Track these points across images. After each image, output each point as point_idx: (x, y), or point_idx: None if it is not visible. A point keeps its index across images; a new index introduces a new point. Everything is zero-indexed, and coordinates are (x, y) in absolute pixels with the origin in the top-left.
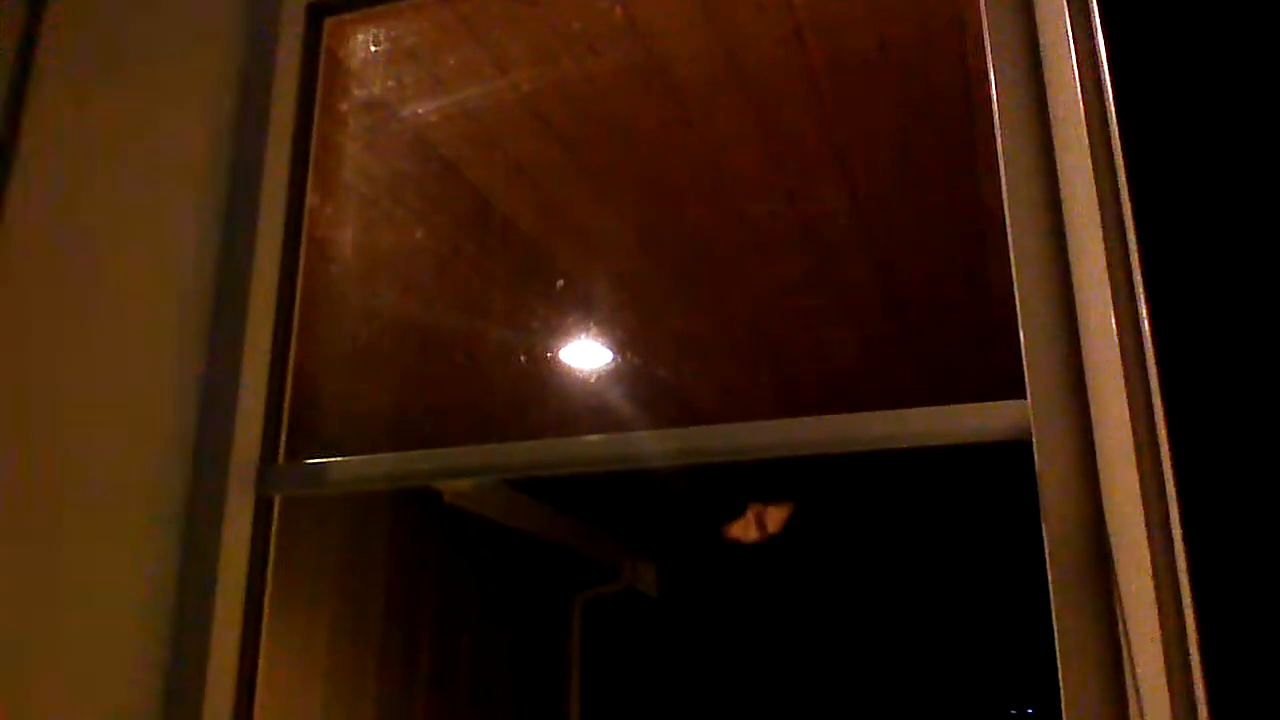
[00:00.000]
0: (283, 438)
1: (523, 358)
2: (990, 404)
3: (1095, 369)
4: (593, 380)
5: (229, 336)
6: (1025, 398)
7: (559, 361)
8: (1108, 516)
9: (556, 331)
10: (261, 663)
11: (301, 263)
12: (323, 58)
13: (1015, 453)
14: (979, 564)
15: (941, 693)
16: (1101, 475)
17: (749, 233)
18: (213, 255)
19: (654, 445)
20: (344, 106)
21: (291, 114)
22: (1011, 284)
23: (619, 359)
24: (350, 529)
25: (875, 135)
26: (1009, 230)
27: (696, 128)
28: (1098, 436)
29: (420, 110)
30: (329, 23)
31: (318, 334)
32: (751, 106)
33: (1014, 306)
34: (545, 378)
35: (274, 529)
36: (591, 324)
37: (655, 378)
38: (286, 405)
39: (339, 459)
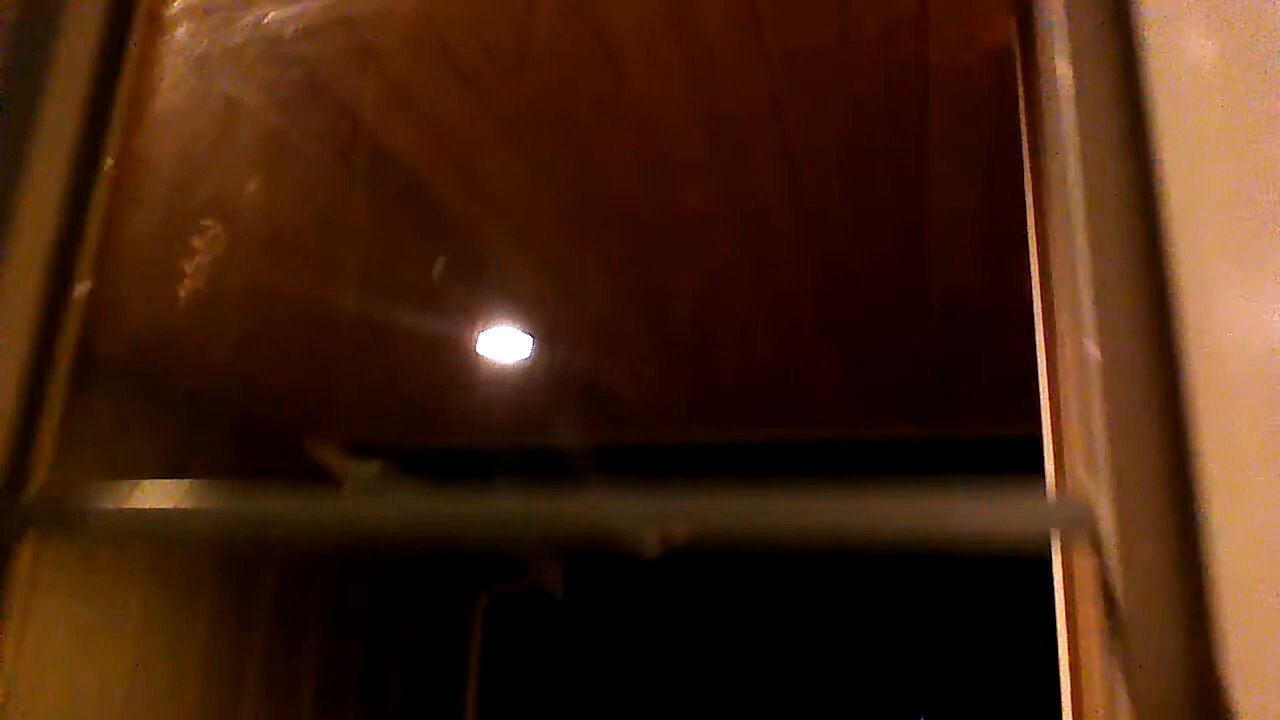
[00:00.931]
0: (42, 450)
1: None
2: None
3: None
4: (506, 368)
5: None
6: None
7: (473, 350)
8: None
9: (470, 316)
10: None
11: (97, 206)
12: None
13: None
14: (881, 560)
15: (848, 696)
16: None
17: (683, 221)
18: None
19: (618, 508)
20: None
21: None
22: (956, 300)
23: (536, 345)
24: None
25: (825, 127)
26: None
27: (637, 107)
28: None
29: (305, 38)
30: None
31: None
32: (697, 87)
33: (953, 318)
34: (456, 367)
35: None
36: (512, 308)
37: (573, 368)
38: (54, 402)
39: (135, 485)
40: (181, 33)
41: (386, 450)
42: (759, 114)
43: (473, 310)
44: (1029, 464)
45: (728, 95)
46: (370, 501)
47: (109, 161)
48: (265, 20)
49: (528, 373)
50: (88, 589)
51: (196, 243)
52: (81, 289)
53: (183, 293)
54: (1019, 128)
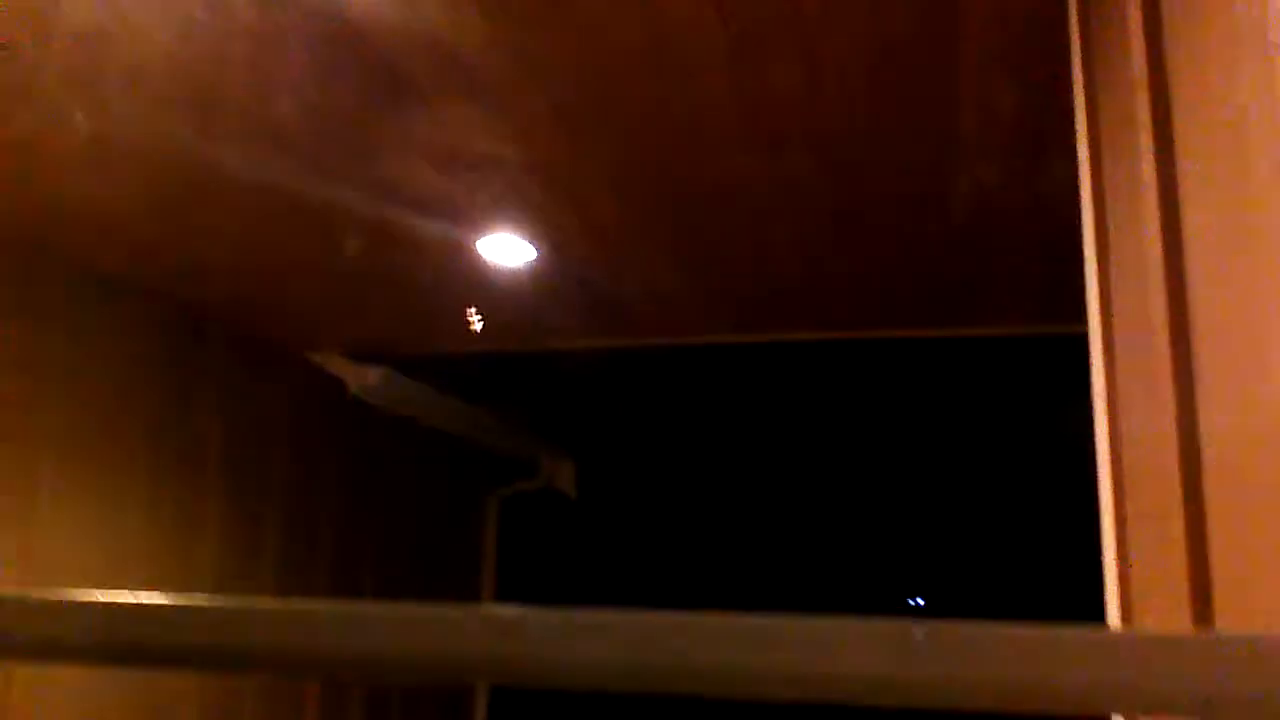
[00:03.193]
0: None
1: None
2: None
3: None
4: (511, 275)
5: None
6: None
7: (475, 254)
8: None
9: (469, 222)
10: None
11: None
12: None
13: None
14: (882, 452)
15: (846, 582)
16: None
17: (694, 121)
18: None
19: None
20: None
21: None
22: (981, 203)
23: (540, 253)
24: (242, 412)
25: (847, 19)
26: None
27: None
28: None
29: None
30: None
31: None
32: None
33: (982, 224)
34: (458, 272)
35: None
36: (513, 214)
37: (578, 272)
38: None
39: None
40: None
41: (391, 356)
42: (775, 6)
43: (474, 215)
44: (1065, 361)
45: None
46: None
47: None
48: None
49: (531, 276)
50: (179, 475)
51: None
52: None
53: (160, 200)
54: (1065, 23)
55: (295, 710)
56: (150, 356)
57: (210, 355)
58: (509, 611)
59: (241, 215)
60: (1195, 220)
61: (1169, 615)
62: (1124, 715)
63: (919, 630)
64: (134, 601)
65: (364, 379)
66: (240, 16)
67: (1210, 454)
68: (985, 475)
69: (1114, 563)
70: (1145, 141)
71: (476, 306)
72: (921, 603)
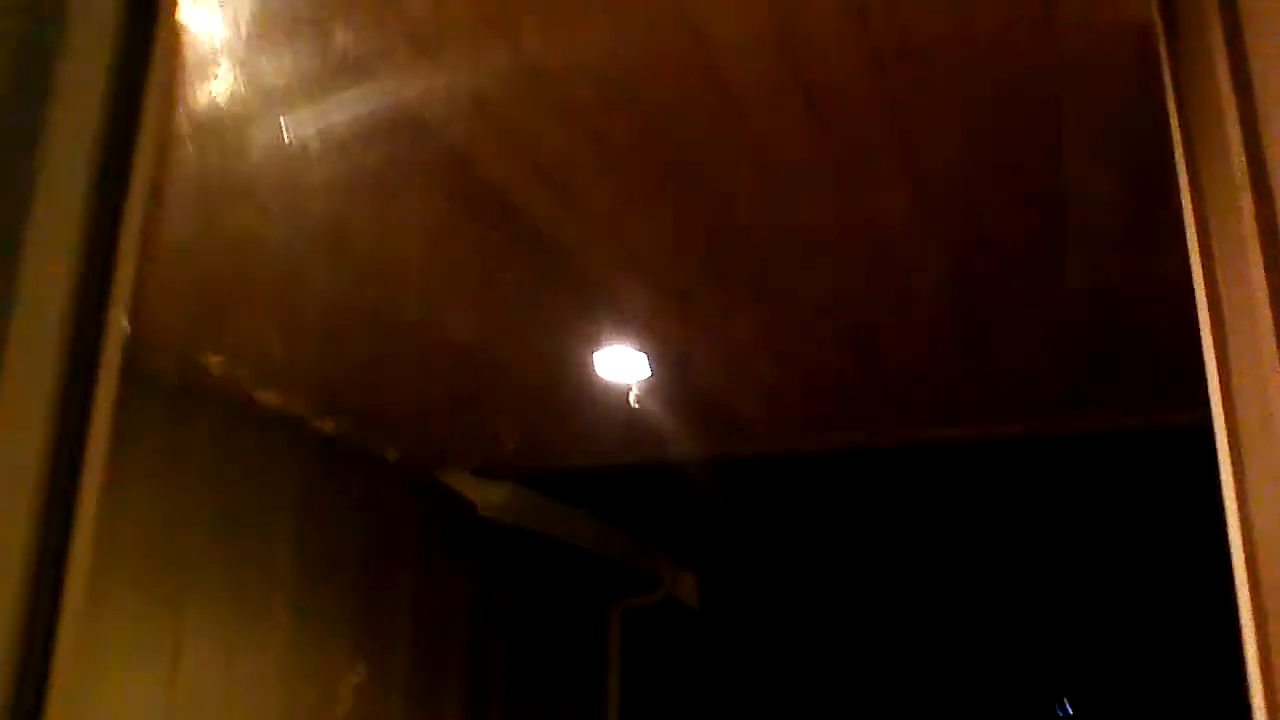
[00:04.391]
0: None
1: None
2: None
3: None
4: (627, 388)
5: None
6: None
7: (593, 371)
8: None
9: (586, 339)
10: None
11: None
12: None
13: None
14: (1014, 552)
15: (987, 692)
16: None
17: (800, 233)
18: None
19: None
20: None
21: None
22: (1096, 286)
23: (657, 366)
24: (377, 535)
25: (945, 119)
26: None
27: (744, 119)
28: None
29: (412, 84)
30: None
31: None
32: (806, 97)
33: (1103, 311)
34: (575, 384)
35: None
36: (626, 328)
37: (696, 387)
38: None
39: None
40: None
41: (516, 472)
42: (875, 117)
43: (588, 332)
44: (1188, 454)
45: (840, 102)
46: None
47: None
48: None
49: (647, 388)
50: (310, 605)
51: (317, 284)
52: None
53: (311, 336)
54: (1163, 104)
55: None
56: (288, 480)
57: (346, 478)
58: None
59: (372, 344)
60: None
61: None
62: None
63: None
64: None
65: (490, 496)
66: (363, 162)
67: None
68: (1121, 571)
69: (1256, 662)
70: (1249, 228)
71: (593, 420)
72: (1070, 709)
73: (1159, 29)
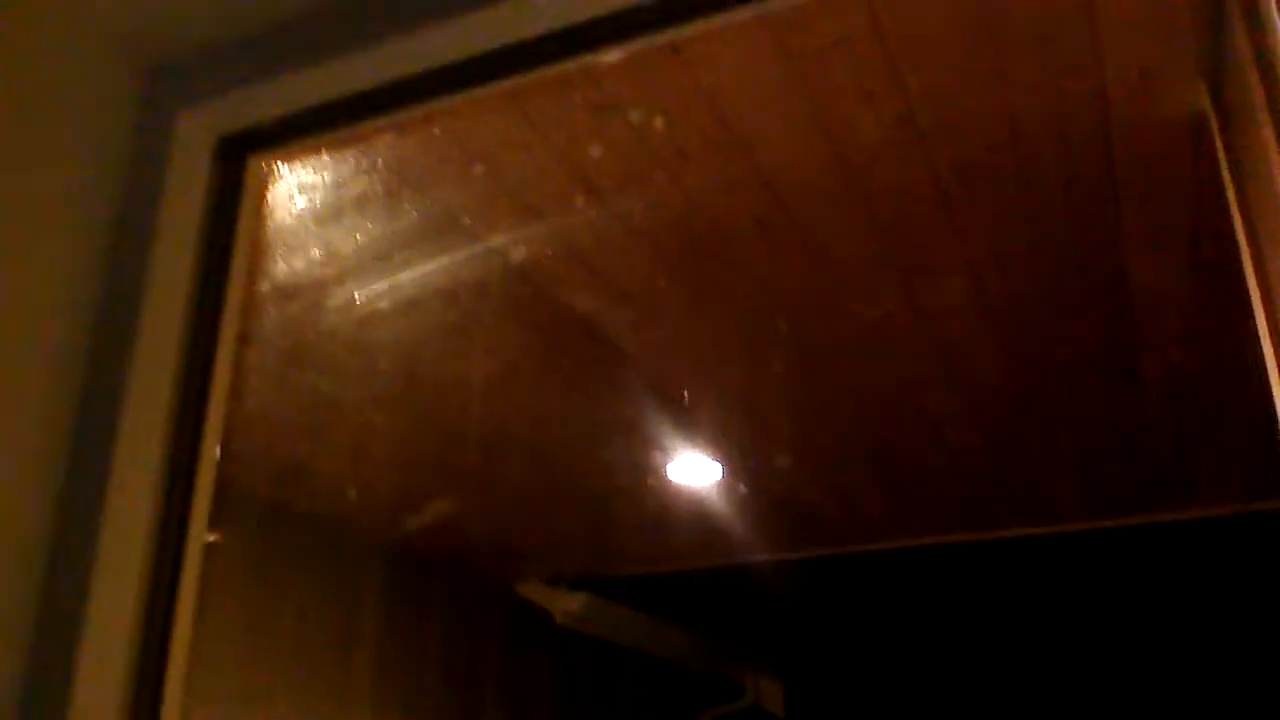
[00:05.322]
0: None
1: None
2: None
3: None
4: (702, 493)
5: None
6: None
7: (664, 477)
8: None
9: (659, 447)
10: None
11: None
12: (247, 202)
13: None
14: (1106, 650)
15: None
16: None
17: (864, 334)
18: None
19: None
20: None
21: (187, 288)
22: (1169, 378)
23: (729, 471)
24: (456, 646)
25: (1002, 220)
26: None
27: (801, 230)
28: None
29: (499, 230)
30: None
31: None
32: (863, 201)
33: (1178, 403)
34: (650, 491)
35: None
36: (698, 434)
37: (770, 489)
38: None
39: None
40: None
41: (590, 580)
42: (933, 223)
43: (661, 440)
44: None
45: (897, 209)
46: None
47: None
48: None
49: (721, 494)
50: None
51: (383, 409)
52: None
53: (383, 455)
54: (1222, 193)
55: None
56: (370, 593)
57: (424, 590)
58: None
59: (448, 460)
60: None
61: None
62: None
63: None
64: None
65: (567, 606)
66: (439, 286)
67: None
68: (1210, 660)
69: None
70: None
71: (669, 526)
72: None
73: (1213, 120)
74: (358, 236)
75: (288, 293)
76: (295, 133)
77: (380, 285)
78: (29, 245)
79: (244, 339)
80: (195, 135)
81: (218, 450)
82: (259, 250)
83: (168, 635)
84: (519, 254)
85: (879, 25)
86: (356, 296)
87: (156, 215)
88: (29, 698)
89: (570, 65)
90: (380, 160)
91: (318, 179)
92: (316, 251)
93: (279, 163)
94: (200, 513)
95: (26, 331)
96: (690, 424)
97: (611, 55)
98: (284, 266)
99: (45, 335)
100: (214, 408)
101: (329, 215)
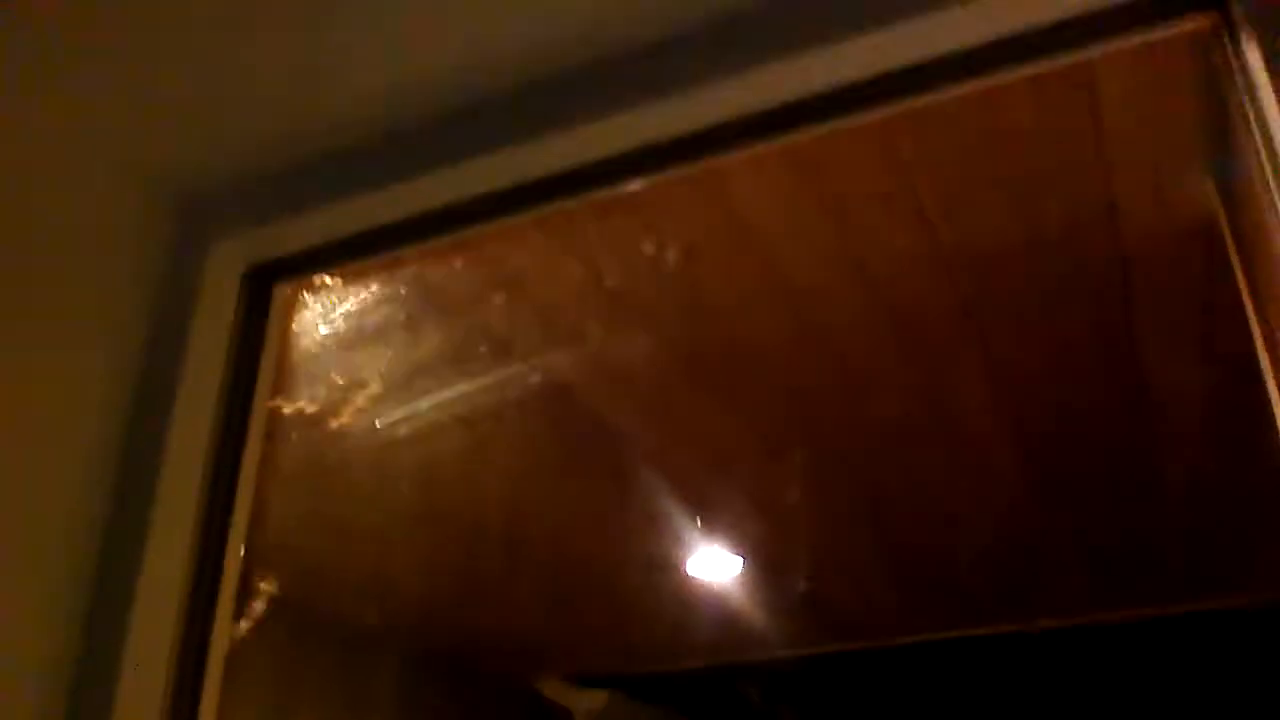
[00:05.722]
0: None
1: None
2: None
3: None
4: (721, 588)
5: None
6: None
7: (684, 573)
8: None
9: (677, 541)
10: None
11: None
12: (274, 331)
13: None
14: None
15: None
16: None
17: (883, 432)
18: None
19: None
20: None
21: (211, 420)
22: (1188, 478)
23: (750, 566)
24: None
25: (1018, 319)
26: None
27: (818, 327)
28: None
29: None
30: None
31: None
32: (878, 300)
33: (1191, 504)
34: (669, 587)
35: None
36: (717, 530)
37: (790, 584)
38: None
39: None
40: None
41: (612, 679)
42: (949, 321)
43: (679, 535)
44: None
45: (913, 307)
46: None
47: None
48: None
49: (741, 590)
50: None
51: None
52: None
53: (403, 558)
54: (1235, 289)
55: None
56: (389, 693)
57: (443, 689)
58: None
59: (465, 564)
60: None
61: None
62: None
63: None
64: None
65: (589, 704)
66: (462, 400)
67: None
68: None
69: None
70: None
71: (689, 621)
72: None
73: (1222, 218)
74: (381, 360)
75: (311, 416)
76: (322, 262)
77: (403, 408)
78: (67, 362)
79: (269, 447)
80: (225, 265)
81: (240, 556)
82: (283, 372)
83: None
84: (542, 369)
85: (894, 153)
86: (378, 418)
87: (186, 339)
88: None
89: (599, 194)
90: (403, 288)
91: (342, 304)
92: (339, 376)
93: (304, 292)
94: (224, 618)
95: (62, 440)
96: (710, 520)
97: (636, 185)
98: (307, 390)
99: (80, 442)
100: (240, 512)
101: (353, 340)
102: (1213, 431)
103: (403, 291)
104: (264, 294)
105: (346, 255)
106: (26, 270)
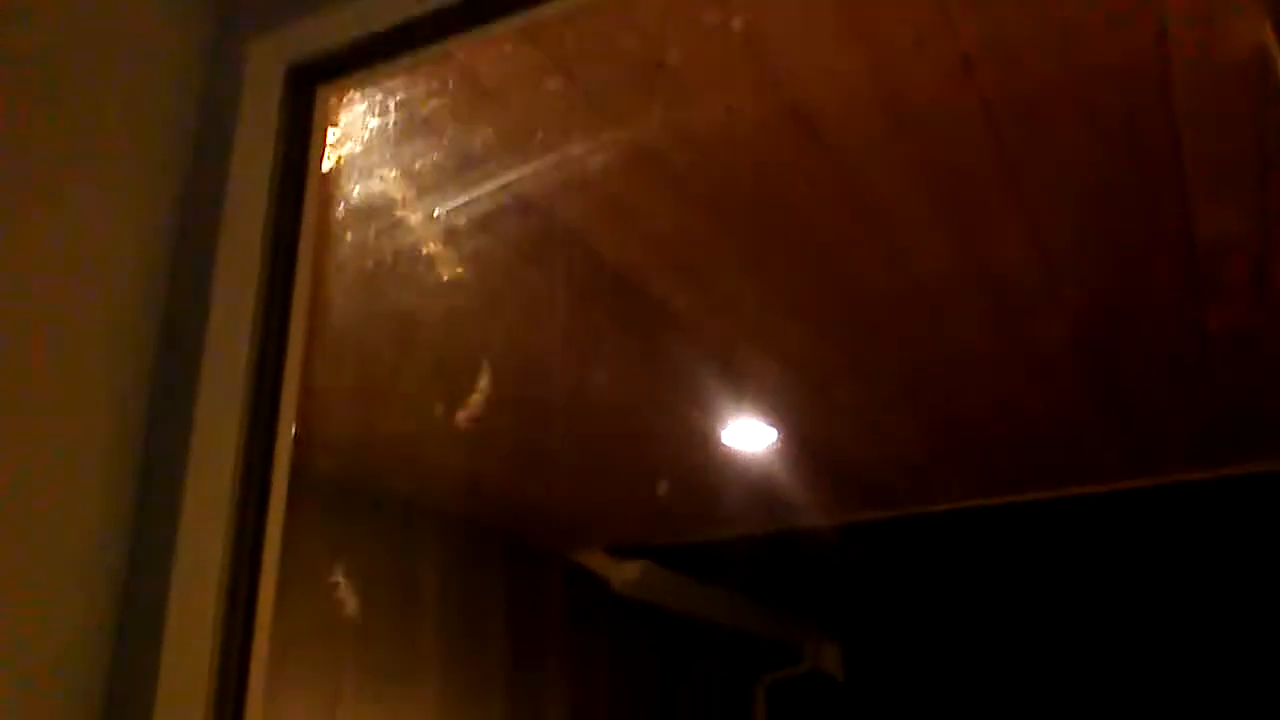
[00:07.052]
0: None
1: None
2: None
3: None
4: (757, 459)
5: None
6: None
7: (720, 443)
8: None
9: (713, 412)
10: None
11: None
12: (317, 134)
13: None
14: (1170, 608)
15: None
16: None
17: (919, 291)
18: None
19: None
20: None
21: (260, 225)
22: (1230, 337)
23: (783, 436)
24: (516, 616)
25: (1062, 169)
26: None
27: (852, 179)
28: None
29: (532, 171)
30: (326, 90)
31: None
32: (916, 151)
33: (1241, 359)
34: (704, 458)
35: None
36: (752, 400)
37: (825, 452)
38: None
39: None
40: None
41: (648, 549)
42: (987, 169)
43: (714, 406)
44: None
45: (948, 155)
46: None
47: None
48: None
49: (777, 459)
50: (448, 692)
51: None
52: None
53: (446, 427)
54: None
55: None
56: (431, 564)
57: (484, 561)
58: None
59: (505, 432)
60: None
61: None
62: None
63: None
64: None
65: (624, 574)
66: (484, 252)
67: None
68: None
69: None
70: None
71: (725, 492)
72: None
73: (1275, 52)
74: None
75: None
76: (364, 59)
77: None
78: (113, 180)
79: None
80: (265, 65)
81: (299, 378)
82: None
83: (252, 609)
84: (571, 213)
85: None
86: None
87: (229, 149)
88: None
89: None
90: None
91: (382, 103)
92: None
93: (350, 90)
94: (283, 458)
95: (110, 253)
96: (745, 390)
97: None
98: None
99: (126, 258)
100: (295, 334)
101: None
102: (1261, 291)
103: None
104: (308, 94)
105: (388, 49)
106: (64, 91)
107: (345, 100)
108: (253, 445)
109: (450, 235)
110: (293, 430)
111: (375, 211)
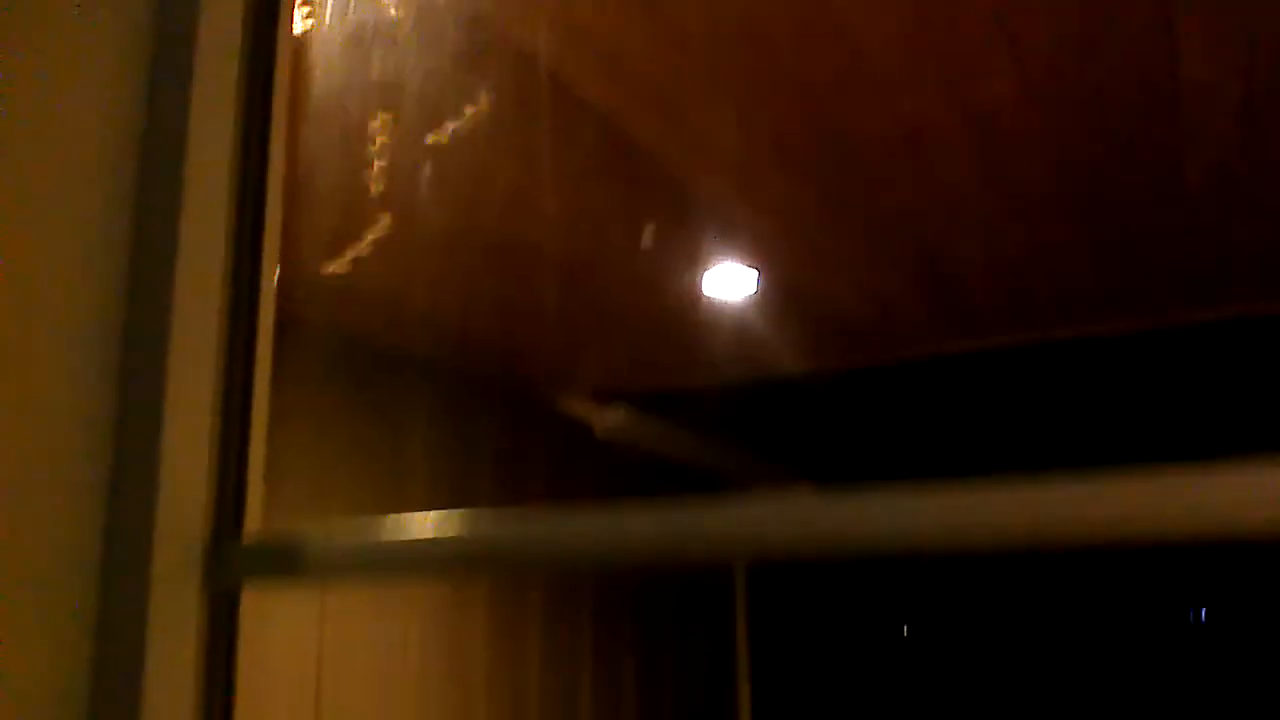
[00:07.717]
0: (250, 497)
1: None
2: None
3: None
4: (738, 304)
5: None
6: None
7: (699, 288)
8: None
9: (692, 256)
10: None
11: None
12: None
13: None
14: (1158, 455)
15: (1123, 598)
16: None
17: (901, 132)
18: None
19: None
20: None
21: (236, 57)
22: (1214, 176)
23: (766, 280)
24: (501, 459)
25: (1048, 7)
26: None
27: (838, 19)
28: None
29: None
30: None
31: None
32: None
33: (1217, 207)
34: (686, 303)
35: (238, 635)
36: (732, 245)
37: (807, 298)
38: (257, 442)
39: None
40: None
41: (633, 396)
42: (977, 5)
43: (696, 251)
44: None
45: None
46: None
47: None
48: None
49: (758, 305)
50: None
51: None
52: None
53: (428, 273)
54: None
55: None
56: (418, 409)
57: (470, 406)
58: None
59: (489, 277)
60: None
61: None
62: None
63: None
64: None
65: (606, 419)
66: (468, 96)
67: None
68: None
69: None
70: None
71: (706, 338)
72: (1204, 617)
73: None
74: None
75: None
76: None
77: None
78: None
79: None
80: None
81: (280, 214)
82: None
83: (248, 415)
84: (552, 54)
85: None
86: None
87: None
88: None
89: None
90: None
91: None
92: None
93: None
94: (268, 280)
95: (82, 94)
96: (726, 235)
97: None
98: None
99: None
100: (273, 178)
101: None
102: (1246, 128)
103: None
104: None
105: None
106: None
107: None
108: (238, 285)
109: (432, 75)
110: (276, 270)
111: (358, 41)
